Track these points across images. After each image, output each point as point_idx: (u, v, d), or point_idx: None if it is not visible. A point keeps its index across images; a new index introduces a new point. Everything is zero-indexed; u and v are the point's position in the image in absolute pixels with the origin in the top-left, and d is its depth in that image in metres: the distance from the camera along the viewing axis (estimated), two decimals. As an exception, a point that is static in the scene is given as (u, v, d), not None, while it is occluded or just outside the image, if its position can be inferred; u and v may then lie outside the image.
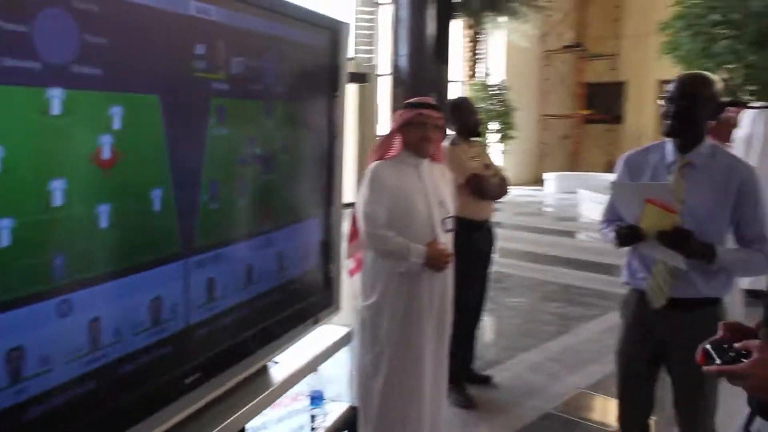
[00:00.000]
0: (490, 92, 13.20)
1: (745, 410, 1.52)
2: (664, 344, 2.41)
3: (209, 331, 1.75)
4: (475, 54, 14.56)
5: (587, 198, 12.31)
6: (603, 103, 18.37)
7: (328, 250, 2.46)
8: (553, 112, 17.93)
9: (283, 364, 2.24)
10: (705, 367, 1.50)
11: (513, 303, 6.09)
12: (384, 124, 7.94)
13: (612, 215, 2.55)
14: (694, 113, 2.27)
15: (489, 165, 4.15)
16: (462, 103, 4.06)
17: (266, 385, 2.06)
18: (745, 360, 1.41)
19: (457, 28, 13.61)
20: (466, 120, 4.00)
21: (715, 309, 2.35)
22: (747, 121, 5.60)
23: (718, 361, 1.46)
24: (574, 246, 9.78)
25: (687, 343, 2.36)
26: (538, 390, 4.09)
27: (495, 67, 15.37)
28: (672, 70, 11.93)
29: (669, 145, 2.38)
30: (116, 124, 1.37)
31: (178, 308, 1.61)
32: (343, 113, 2.40)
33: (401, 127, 2.84)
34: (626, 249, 2.58)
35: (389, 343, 2.72)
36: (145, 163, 1.47)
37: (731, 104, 5.11)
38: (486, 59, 15.23)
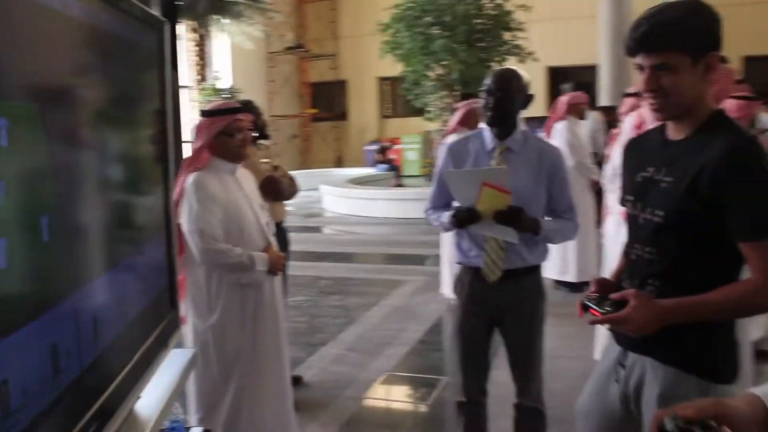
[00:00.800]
0: (222, 96, 12.97)
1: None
2: (498, 313, 2.65)
3: (99, 373, 1.53)
4: (201, 58, 14.19)
5: (328, 193, 12.79)
6: (327, 101, 19.18)
7: (172, 269, 2.27)
8: (280, 113, 18.21)
9: (145, 398, 2.02)
10: (590, 318, 1.72)
11: (294, 302, 6.11)
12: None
13: (439, 202, 2.73)
14: (510, 103, 2.52)
15: (277, 166, 4.16)
16: (249, 106, 3.99)
17: (143, 424, 1.85)
18: (622, 308, 1.65)
19: (182, 32, 13.15)
20: (254, 123, 3.94)
21: (537, 275, 2.65)
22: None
23: (601, 311, 1.68)
24: (325, 240, 10.11)
25: (519, 309, 2.66)
26: (348, 380, 4.19)
27: (222, 71, 15.15)
28: (391, 68, 13.00)
29: (487, 133, 2.62)
30: (3, 141, 1.14)
31: (72, 351, 1.39)
32: (179, 121, 2.23)
33: (215, 136, 2.72)
34: (442, 234, 2.78)
35: (241, 356, 2.60)
36: (33, 185, 1.24)
37: (469, 96, 5.71)
38: (212, 63, 14.93)
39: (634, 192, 1.78)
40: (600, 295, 1.77)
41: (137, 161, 1.97)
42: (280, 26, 16.61)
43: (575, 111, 5.74)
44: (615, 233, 3.99)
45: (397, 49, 11.19)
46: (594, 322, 1.72)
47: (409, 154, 16.35)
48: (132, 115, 1.96)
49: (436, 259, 7.68)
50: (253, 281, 2.61)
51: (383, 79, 18.22)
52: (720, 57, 1.65)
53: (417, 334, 5.10)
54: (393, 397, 4.05)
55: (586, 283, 5.85)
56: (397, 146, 16.62)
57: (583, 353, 4.26)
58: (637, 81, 1.77)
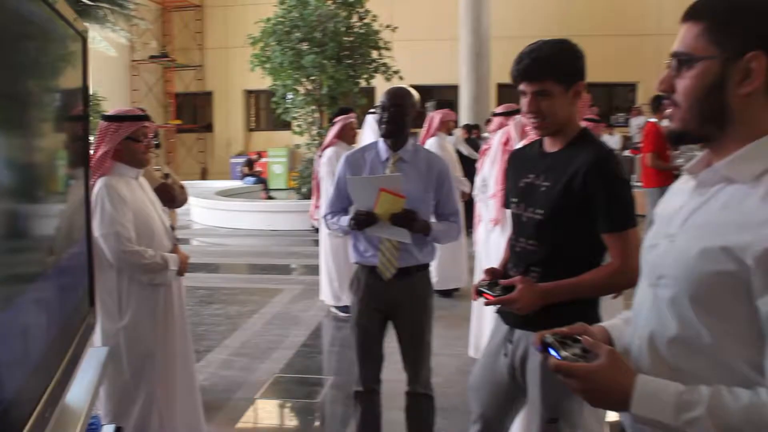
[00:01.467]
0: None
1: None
2: (392, 308, 2.92)
3: (47, 368, 1.62)
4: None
5: (197, 205, 12.61)
6: (192, 112, 18.86)
7: (91, 267, 2.35)
8: (143, 123, 17.67)
9: (72, 393, 2.09)
10: (485, 300, 2.03)
11: (173, 312, 6.09)
12: None
13: (337, 207, 2.97)
14: (403, 118, 2.82)
15: (168, 174, 4.22)
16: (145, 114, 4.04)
17: (75, 417, 1.93)
18: (510, 292, 1.99)
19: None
20: (148, 130, 3.99)
21: (427, 273, 2.96)
22: (368, 123, 6.35)
23: (493, 294, 2.01)
24: (197, 251, 9.98)
25: (411, 303, 2.96)
26: (238, 383, 4.31)
27: (80, 77, 14.52)
28: (257, 81, 13.08)
29: (381, 144, 2.90)
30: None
31: (31, 346, 1.49)
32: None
33: (120, 141, 2.79)
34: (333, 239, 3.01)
35: (152, 357, 2.69)
36: None
37: (346, 110, 5.97)
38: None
39: (518, 195, 2.12)
40: (491, 282, 2.10)
41: (64, 164, 2.05)
42: (144, 34, 16.19)
43: (444, 127, 6.20)
44: (485, 239, 4.42)
45: (266, 62, 11.31)
46: (488, 304, 2.04)
47: (276, 167, 16.44)
48: (62, 116, 2.04)
49: (304, 269, 7.92)
50: (165, 281, 2.72)
51: (249, 92, 18.21)
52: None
53: (300, 338, 5.29)
54: (284, 396, 4.22)
55: (456, 290, 6.30)
56: (263, 159, 16.66)
57: (458, 351, 4.66)
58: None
